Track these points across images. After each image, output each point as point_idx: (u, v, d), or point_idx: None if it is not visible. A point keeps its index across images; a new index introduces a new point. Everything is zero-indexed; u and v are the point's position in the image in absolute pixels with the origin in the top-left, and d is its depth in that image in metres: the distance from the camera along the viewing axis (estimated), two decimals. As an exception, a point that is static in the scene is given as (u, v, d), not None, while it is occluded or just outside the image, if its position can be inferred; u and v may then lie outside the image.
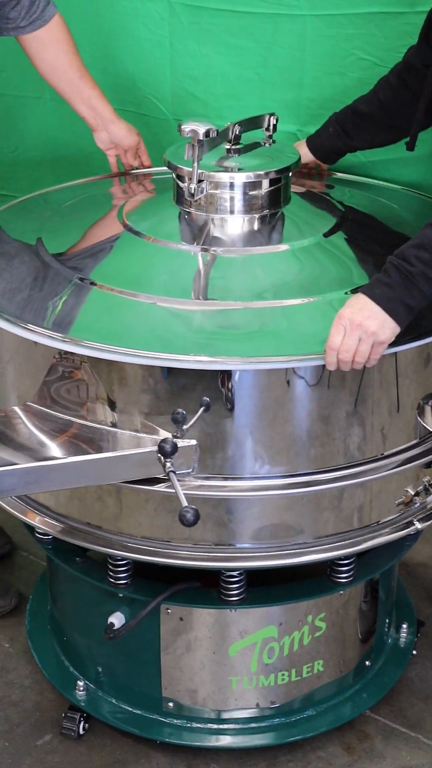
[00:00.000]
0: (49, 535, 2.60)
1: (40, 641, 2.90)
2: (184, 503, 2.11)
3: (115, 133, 2.88)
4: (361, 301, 2.14)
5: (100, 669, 2.73)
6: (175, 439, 2.18)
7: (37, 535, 2.65)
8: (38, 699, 2.88)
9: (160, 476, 2.23)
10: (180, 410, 2.21)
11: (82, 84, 2.80)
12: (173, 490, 2.14)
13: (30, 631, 2.94)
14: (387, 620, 2.86)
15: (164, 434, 2.23)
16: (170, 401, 2.23)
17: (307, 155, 2.85)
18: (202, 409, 2.21)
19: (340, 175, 2.98)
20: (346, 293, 2.27)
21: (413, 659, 2.92)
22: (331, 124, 2.80)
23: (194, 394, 2.21)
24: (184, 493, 2.13)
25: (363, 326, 2.12)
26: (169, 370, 2.20)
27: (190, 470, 2.25)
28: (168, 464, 2.17)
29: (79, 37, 2.85)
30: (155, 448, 2.18)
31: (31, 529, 2.63)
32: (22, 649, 3.01)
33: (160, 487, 2.26)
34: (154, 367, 2.19)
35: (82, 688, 2.74)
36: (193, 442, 2.23)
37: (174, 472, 2.17)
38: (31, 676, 2.94)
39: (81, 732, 2.72)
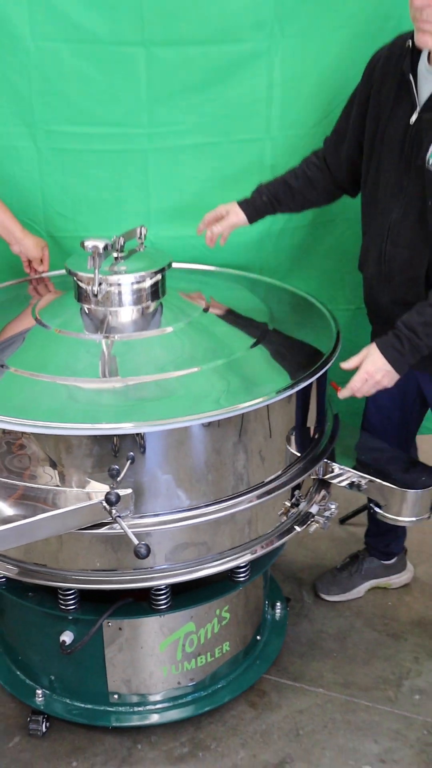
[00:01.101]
0: (2, 576, 2.72)
1: (-2, 663, 3.00)
2: (136, 541, 2.32)
3: (25, 247, 3.13)
4: (379, 362, 2.67)
5: (53, 677, 2.89)
6: (115, 490, 2.38)
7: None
8: (2, 709, 3.02)
9: (105, 521, 2.42)
10: (115, 466, 2.39)
11: None
12: (121, 531, 2.36)
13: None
14: (267, 602, 3.16)
15: (100, 486, 2.41)
16: (104, 460, 2.42)
17: (238, 215, 3.08)
18: (129, 462, 2.41)
19: (193, 266, 3.26)
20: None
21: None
22: (264, 193, 3.06)
23: (120, 452, 2.42)
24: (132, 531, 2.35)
25: (379, 382, 2.70)
26: (99, 437, 2.39)
27: (128, 513, 2.45)
28: (114, 511, 2.37)
29: None
30: (101, 499, 2.37)
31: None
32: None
33: (105, 530, 2.44)
34: (88, 436, 2.39)
35: (40, 695, 2.89)
36: (129, 490, 2.44)
37: (120, 516, 2.38)
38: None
39: (44, 730, 2.90)
